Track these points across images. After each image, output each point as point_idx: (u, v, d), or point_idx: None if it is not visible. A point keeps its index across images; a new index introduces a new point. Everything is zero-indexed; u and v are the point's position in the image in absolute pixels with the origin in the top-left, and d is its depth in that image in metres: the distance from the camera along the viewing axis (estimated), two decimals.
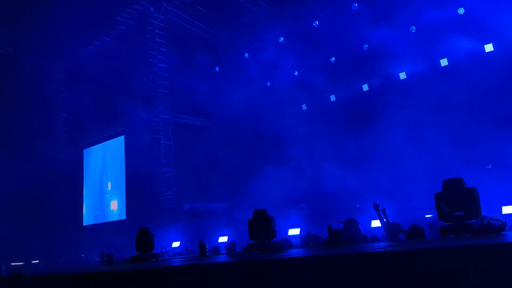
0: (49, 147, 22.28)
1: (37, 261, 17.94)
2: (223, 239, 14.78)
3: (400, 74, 16.67)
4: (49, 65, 22.98)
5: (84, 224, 22.17)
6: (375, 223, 11.01)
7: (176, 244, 15.33)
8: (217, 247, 11.21)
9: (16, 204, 18.94)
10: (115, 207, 21.60)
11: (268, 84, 20.68)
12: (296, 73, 19.85)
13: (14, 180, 18.16)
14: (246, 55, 20.64)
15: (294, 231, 12.80)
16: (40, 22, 18.92)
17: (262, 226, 6.67)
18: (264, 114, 18.89)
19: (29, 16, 18.27)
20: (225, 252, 10.69)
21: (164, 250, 14.27)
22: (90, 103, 21.87)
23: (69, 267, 15.84)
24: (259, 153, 18.13)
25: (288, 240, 8.88)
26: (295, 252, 5.12)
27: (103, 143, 22.95)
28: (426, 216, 11.54)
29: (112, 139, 22.53)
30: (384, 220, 7.45)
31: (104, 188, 22.31)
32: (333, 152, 15.81)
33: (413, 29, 16.00)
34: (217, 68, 21.58)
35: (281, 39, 19.42)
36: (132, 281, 3.88)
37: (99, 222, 21.76)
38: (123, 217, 20.85)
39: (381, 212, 7.45)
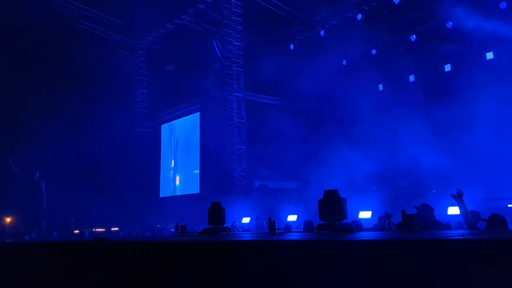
0: (130, 122, 23.39)
1: (117, 228, 19.00)
2: (292, 217, 14.82)
3: (487, 54, 15.63)
4: (131, 43, 23.93)
5: (160, 196, 23.20)
6: (452, 210, 10.52)
7: (245, 220, 15.52)
8: (289, 225, 11.25)
9: (100, 174, 20.14)
10: (189, 180, 22.34)
11: (344, 62, 20.21)
12: (374, 51, 19.21)
13: (97, 152, 19.29)
14: (322, 32, 20.24)
15: (365, 214, 12.49)
16: (123, 1, 19.70)
17: (333, 207, 6.59)
18: (338, 93, 18.52)
19: None
20: (296, 230, 10.72)
21: (234, 224, 14.53)
22: (168, 80, 22.65)
23: (146, 235, 16.64)
24: (332, 133, 17.86)
25: (359, 222, 8.72)
26: (366, 235, 5.03)
27: (179, 119, 23.67)
28: (509, 205, 10.87)
29: (188, 116, 23.17)
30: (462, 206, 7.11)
31: (180, 162, 23.14)
32: (410, 135, 15.23)
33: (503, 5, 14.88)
34: (291, 46, 21.38)
35: (359, 16, 18.82)
36: (204, 252, 4.00)
37: (174, 194, 22.66)
38: (197, 191, 21.51)
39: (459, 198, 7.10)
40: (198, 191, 21.39)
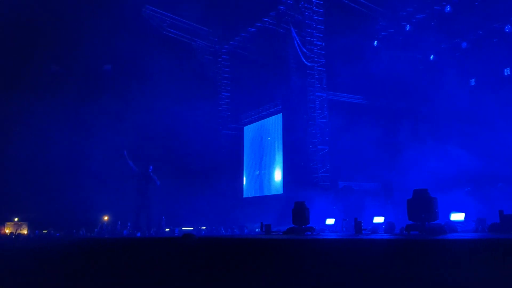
0: (215, 124, 24.07)
1: (204, 227, 19.57)
2: (378, 219, 14.34)
3: None
4: (215, 48, 24.63)
5: (244, 196, 23.62)
6: None
7: (330, 221, 15.35)
8: (376, 226, 10.96)
9: (189, 175, 20.95)
10: (272, 181, 22.52)
11: (431, 57, 19.31)
12: (464, 44, 18.17)
13: (188, 155, 20.09)
14: (408, 27, 19.50)
15: (457, 216, 11.83)
16: (207, 8, 20.33)
17: (423, 207, 6.32)
18: (425, 89, 17.72)
19: (199, 4, 19.82)
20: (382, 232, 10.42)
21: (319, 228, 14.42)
22: (250, 82, 23.02)
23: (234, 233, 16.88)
24: (418, 130, 17.11)
25: (452, 224, 8.28)
26: (460, 236, 4.74)
27: (262, 121, 23.95)
28: None
29: (271, 117, 23.37)
30: None
31: (263, 163, 23.39)
32: (506, 132, 14.18)
33: None
34: (375, 43, 20.82)
35: (448, 8, 17.89)
36: (290, 250, 3.99)
37: (257, 195, 22.95)
38: (280, 191, 21.62)
39: None
40: (281, 192, 21.46)
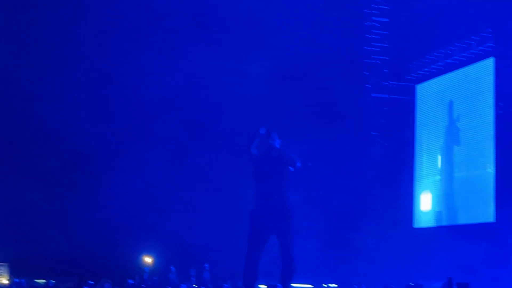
0: (356, 81, 13.87)
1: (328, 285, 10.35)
2: None
3: None
4: None
5: (414, 226, 12.69)
6: None
7: None
8: None
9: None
10: (475, 195, 11.53)
11: None
12: None
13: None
14: None
15: None
16: None
17: None
18: None
19: None
20: None
21: None
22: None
23: None
24: None
25: None
26: None
27: (452, 73, 13.04)
28: None
29: (471, 64, 12.48)
30: None
31: (456, 156, 12.45)
32: None
33: None
34: None
35: None
36: None
37: (445, 224, 12.00)
38: (490, 218, 10.81)
39: None
40: (492, 219, 10.78)
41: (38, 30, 12.10)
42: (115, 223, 11.19)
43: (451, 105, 12.94)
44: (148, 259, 11.58)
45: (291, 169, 6.96)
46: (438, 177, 12.72)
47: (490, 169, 11.14)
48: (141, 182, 11.82)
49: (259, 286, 9.77)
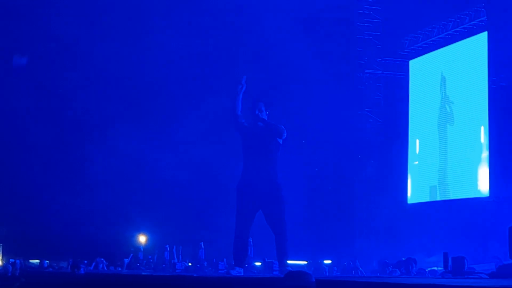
0: (345, 59, 13.68)
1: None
2: None
3: None
4: None
5: (409, 202, 12.76)
6: None
7: None
8: None
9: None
10: (468, 172, 11.57)
11: None
12: None
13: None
14: None
15: None
16: None
17: None
18: None
19: None
20: None
21: None
22: None
23: None
24: None
25: None
26: None
27: (444, 48, 12.91)
28: None
29: (464, 39, 12.30)
30: None
31: (447, 131, 12.43)
32: None
33: None
34: None
35: None
36: None
37: (438, 199, 12.04)
38: (484, 193, 10.88)
39: None
40: (487, 194, 10.88)
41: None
42: (110, 202, 11.12)
43: (444, 80, 12.88)
44: (142, 238, 11.53)
45: (279, 141, 6.69)
46: (431, 153, 12.73)
47: (484, 144, 11.14)
48: (133, 161, 11.70)
49: (255, 263, 9.85)
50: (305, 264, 10.48)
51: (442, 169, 12.20)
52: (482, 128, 11.27)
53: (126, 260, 10.31)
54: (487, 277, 6.21)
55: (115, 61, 11.67)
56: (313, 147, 12.96)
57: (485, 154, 11.02)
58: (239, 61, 12.06)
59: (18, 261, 9.48)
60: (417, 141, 13.20)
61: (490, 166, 10.83)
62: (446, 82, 12.80)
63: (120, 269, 10.15)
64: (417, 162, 12.97)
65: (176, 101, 12.40)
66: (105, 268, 9.97)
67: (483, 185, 10.89)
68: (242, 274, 6.51)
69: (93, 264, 9.79)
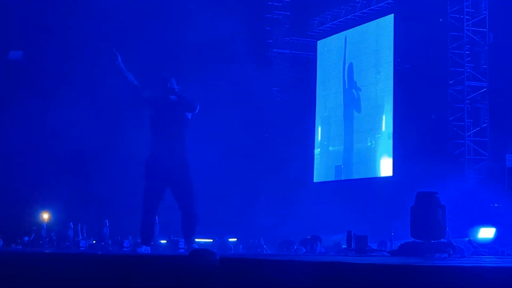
0: (258, 38, 13.69)
1: (235, 239, 11.00)
2: None
3: None
4: None
5: (315, 181, 12.95)
6: None
7: (486, 232, 9.23)
8: None
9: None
10: (372, 151, 11.85)
11: None
12: None
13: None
14: None
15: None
16: None
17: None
18: None
19: None
20: None
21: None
22: None
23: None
24: None
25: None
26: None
27: (353, 28, 13.12)
28: None
29: (371, 21, 12.51)
30: None
31: (355, 115, 12.66)
32: None
33: None
34: None
35: None
36: None
37: (342, 178, 12.31)
38: (388, 173, 11.41)
39: None
40: (390, 174, 11.38)
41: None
42: (11, 178, 10.78)
43: (351, 64, 13.08)
44: (46, 216, 11.29)
45: (188, 115, 6.63)
46: (338, 133, 12.92)
47: (388, 124, 11.48)
48: (38, 135, 11.36)
49: (161, 241, 9.54)
50: (210, 242, 10.43)
51: (347, 150, 12.46)
52: (384, 117, 11.70)
53: (26, 238, 10.04)
54: (389, 254, 6.49)
55: None
56: (221, 125, 12.86)
57: (389, 138, 11.40)
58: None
59: None
60: (323, 122, 13.42)
61: (394, 146, 11.23)
62: (353, 66, 12.99)
63: (20, 247, 9.75)
64: (323, 142, 13.17)
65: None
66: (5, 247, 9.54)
67: (387, 168, 11.29)
68: (149, 252, 6.46)
69: None
